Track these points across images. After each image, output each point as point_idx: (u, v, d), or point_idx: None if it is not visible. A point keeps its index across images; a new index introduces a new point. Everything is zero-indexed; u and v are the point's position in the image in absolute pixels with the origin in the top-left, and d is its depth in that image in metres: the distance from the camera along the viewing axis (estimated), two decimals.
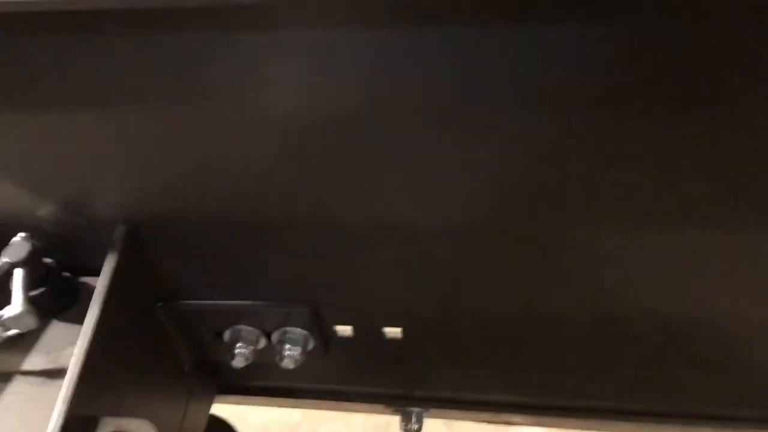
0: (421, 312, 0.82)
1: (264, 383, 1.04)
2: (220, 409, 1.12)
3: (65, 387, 0.66)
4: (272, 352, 0.86)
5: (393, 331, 0.84)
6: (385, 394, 1.02)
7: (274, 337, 0.85)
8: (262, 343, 0.86)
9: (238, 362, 0.84)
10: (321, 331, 0.84)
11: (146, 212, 0.74)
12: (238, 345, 0.84)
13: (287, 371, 0.92)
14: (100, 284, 0.72)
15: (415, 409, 1.05)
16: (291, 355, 0.83)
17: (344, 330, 0.85)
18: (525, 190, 0.65)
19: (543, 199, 0.66)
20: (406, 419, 1.06)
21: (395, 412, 1.07)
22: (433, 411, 1.06)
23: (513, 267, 0.75)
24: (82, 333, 0.69)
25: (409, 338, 0.85)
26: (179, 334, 0.87)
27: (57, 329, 0.77)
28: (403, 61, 0.54)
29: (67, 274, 0.79)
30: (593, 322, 0.81)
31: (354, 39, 0.53)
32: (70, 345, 0.74)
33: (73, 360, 0.68)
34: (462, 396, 1.02)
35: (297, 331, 0.83)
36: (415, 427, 1.06)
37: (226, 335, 0.85)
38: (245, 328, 0.84)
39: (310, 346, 0.85)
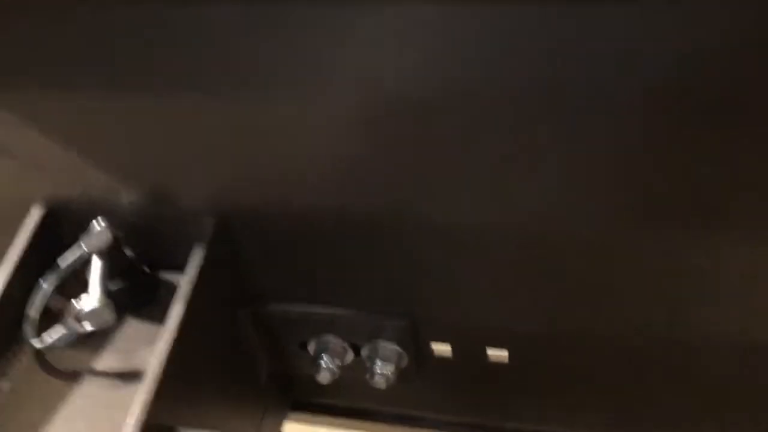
0: (530, 333, 0.74)
1: (340, 402, 0.96)
2: (289, 427, 1.05)
3: (143, 393, 0.59)
4: (360, 368, 0.78)
5: (497, 354, 0.75)
6: (474, 423, 0.93)
7: (364, 351, 0.77)
8: (350, 357, 0.78)
9: (324, 377, 0.76)
10: (416, 348, 0.76)
11: (236, 205, 0.67)
12: (324, 358, 0.76)
13: (368, 391, 0.84)
14: (186, 281, 0.65)
15: None
16: (382, 372, 0.75)
17: (442, 349, 0.76)
18: (652, 198, 0.57)
19: (669, 212, 0.58)
20: None
21: None
22: None
23: (641, 288, 0.66)
24: (164, 334, 0.62)
25: (513, 362, 0.76)
26: (262, 341, 0.80)
27: (132, 327, 0.70)
28: (520, 40, 0.46)
29: (146, 268, 0.72)
30: (727, 354, 0.72)
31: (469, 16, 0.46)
32: (146, 345, 0.67)
33: (154, 363, 0.61)
34: (557, 430, 0.92)
35: (390, 347, 0.75)
36: None
37: (312, 346, 0.78)
38: (333, 339, 0.76)
39: (403, 364, 0.77)
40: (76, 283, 0.67)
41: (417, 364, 0.78)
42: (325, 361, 0.76)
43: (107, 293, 0.65)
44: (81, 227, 0.68)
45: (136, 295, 0.70)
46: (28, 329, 0.65)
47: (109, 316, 0.64)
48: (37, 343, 0.65)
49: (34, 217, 0.71)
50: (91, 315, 0.64)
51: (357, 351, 0.77)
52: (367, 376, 0.76)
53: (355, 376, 0.80)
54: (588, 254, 0.64)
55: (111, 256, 0.67)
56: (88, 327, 0.64)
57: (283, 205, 0.66)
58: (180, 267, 0.68)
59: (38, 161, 0.67)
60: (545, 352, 0.76)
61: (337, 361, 0.76)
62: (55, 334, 0.65)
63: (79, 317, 0.64)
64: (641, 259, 0.63)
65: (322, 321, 0.75)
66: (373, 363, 0.76)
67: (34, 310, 0.65)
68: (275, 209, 0.66)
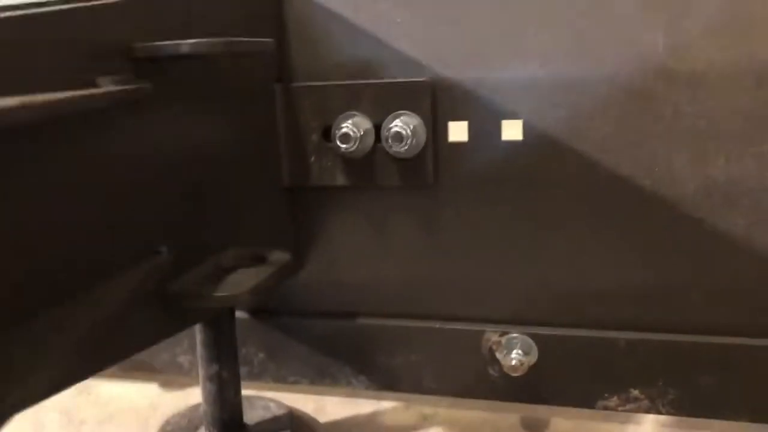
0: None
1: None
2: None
3: None
4: (380, 150, 0.81)
5: (512, 130, 0.79)
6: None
7: (384, 130, 0.81)
8: (371, 138, 0.82)
9: (346, 139, 0.79)
10: (434, 121, 0.80)
11: None
12: (350, 122, 0.80)
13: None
14: None
15: (516, 335, 0.89)
16: (402, 132, 0.78)
17: (458, 130, 0.80)
18: None
19: None
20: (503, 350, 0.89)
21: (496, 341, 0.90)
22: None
23: None
24: None
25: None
26: (287, 133, 0.84)
27: None
28: None
29: None
30: None
31: None
32: None
33: None
34: None
35: (409, 118, 0.80)
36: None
37: (339, 123, 0.81)
38: (358, 115, 0.81)
39: (420, 141, 0.80)
40: None
41: (434, 152, 0.81)
42: (350, 127, 0.79)
43: None
44: None
45: None
46: None
47: None
48: None
49: None
50: None
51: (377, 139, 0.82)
52: (387, 145, 0.79)
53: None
54: None
55: None
56: None
57: None
58: None
59: None
60: None
61: (360, 132, 0.80)
62: None
63: None
64: None
65: (350, 94, 0.81)
66: (390, 131, 0.79)
67: None
68: None
